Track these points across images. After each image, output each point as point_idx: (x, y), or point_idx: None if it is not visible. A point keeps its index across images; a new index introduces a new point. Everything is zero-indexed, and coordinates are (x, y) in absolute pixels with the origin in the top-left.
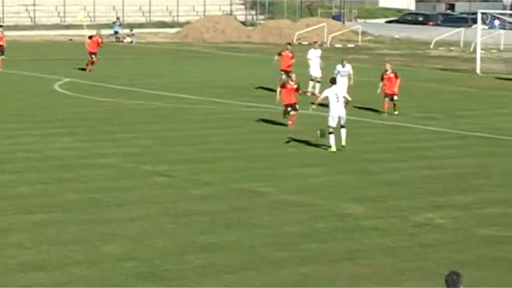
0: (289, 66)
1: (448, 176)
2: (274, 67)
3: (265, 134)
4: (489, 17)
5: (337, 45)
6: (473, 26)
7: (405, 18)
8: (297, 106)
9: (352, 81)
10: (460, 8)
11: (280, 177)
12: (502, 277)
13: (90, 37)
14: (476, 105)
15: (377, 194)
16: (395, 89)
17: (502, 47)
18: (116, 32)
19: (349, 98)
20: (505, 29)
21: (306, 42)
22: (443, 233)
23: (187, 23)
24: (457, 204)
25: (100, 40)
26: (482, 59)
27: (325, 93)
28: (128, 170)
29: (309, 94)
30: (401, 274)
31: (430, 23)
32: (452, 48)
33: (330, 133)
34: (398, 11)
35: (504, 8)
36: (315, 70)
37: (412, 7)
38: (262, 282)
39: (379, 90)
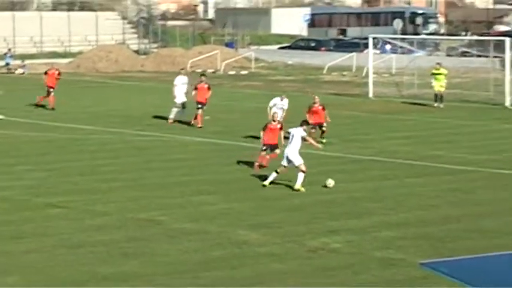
0: (206, 98)
1: (344, 200)
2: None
3: (160, 163)
4: (380, 41)
5: (230, 72)
6: (365, 51)
7: (298, 44)
8: (278, 150)
9: (284, 114)
10: (352, 33)
11: (176, 206)
12: None
13: (46, 72)
14: (369, 129)
15: (273, 220)
16: (324, 119)
17: (393, 71)
18: (7, 64)
19: (308, 139)
20: (396, 53)
21: (200, 70)
22: (338, 257)
23: (80, 53)
24: (353, 228)
25: (57, 72)
26: (374, 83)
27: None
28: (23, 203)
29: (170, 122)
30: None
31: (323, 49)
32: (344, 73)
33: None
34: (291, 37)
35: (395, 32)
36: (180, 96)
37: (304, 33)
38: None
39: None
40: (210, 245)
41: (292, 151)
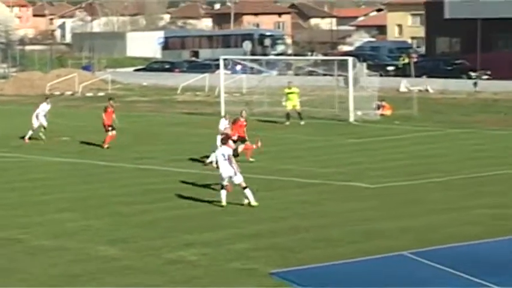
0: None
1: (199, 215)
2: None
3: (21, 183)
4: (231, 62)
5: (88, 94)
6: (217, 72)
7: (152, 66)
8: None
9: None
10: (204, 54)
11: (36, 224)
12: None
13: None
14: None
15: (130, 235)
16: (245, 134)
17: (244, 90)
18: None
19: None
20: (246, 73)
21: (58, 93)
22: (194, 269)
23: None
24: (208, 240)
25: None
26: (226, 102)
27: (217, 152)
28: None
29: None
30: None
31: (176, 70)
32: (198, 93)
33: (222, 187)
34: (146, 59)
35: (245, 54)
36: (43, 120)
37: (158, 55)
38: None
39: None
40: (70, 260)
41: (226, 169)
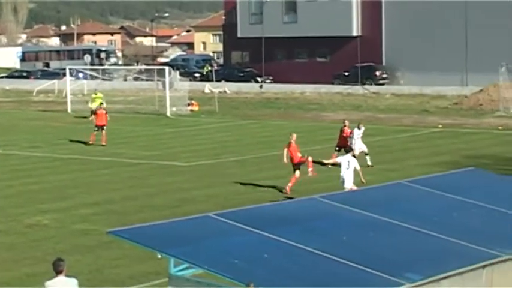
0: (106, 121)
1: (51, 188)
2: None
3: None
4: (75, 71)
5: None
6: (64, 78)
7: (13, 74)
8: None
9: None
10: (54, 65)
11: None
12: (92, 259)
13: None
14: (69, 136)
15: None
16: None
17: (85, 92)
18: None
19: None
20: (86, 79)
21: None
22: (47, 230)
23: None
24: (58, 208)
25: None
26: (71, 102)
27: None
28: None
29: None
30: (18, 262)
31: (32, 77)
32: (49, 95)
33: None
34: (8, 69)
35: (85, 64)
36: None
37: (18, 66)
38: None
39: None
40: None
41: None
